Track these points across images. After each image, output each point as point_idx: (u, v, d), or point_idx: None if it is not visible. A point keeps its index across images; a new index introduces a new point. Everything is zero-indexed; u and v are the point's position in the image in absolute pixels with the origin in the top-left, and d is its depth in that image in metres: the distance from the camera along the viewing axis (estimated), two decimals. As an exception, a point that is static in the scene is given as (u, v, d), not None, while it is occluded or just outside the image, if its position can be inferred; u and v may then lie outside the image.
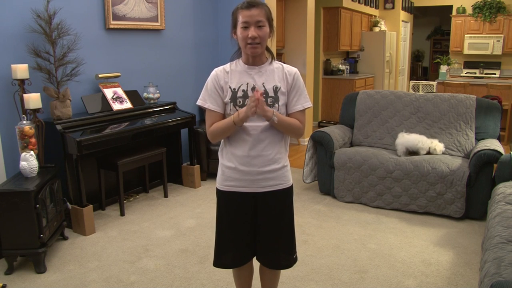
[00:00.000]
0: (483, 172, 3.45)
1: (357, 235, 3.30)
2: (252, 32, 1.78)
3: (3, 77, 3.16)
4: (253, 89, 1.85)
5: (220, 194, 1.99)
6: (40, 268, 2.78)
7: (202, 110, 4.82)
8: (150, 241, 3.21)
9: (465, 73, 9.67)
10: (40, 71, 3.29)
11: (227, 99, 1.87)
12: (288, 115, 1.93)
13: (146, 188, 4.30)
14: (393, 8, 10.04)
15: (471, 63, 9.80)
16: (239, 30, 1.81)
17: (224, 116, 1.92)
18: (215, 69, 1.93)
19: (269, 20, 1.83)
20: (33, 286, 2.64)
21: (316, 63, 7.76)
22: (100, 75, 3.77)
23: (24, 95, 3.07)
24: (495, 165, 3.37)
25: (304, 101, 1.92)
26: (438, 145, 3.81)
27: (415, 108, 4.15)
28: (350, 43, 8.47)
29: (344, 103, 4.53)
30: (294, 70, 1.93)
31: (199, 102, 1.93)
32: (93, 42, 3.78)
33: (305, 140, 6.17)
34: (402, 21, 10.38)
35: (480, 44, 9.53)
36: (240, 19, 1.80)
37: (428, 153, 3.81)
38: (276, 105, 1.86)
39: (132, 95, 3.99)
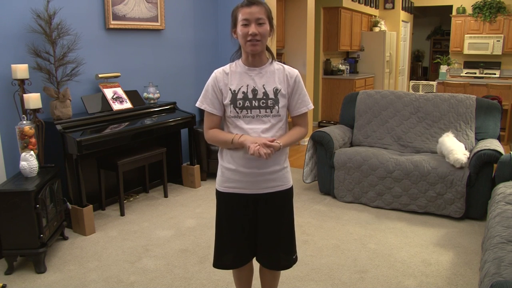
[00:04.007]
0: (483, 172, 3.45)
1: (357, 235, 3.30)
2: (252, 28, 1.77)
3: (3, 77, 3.16)
4: (255, 91, 1.85)
5: (220, 195, 1.99)
6: (40, 268, 2.78)
7: (202, 110, 4.82)
8: (150, 241, 3.21)
9: (465, 73, 9.67)
10: (40, 71, 3.29)
11: (227, 101, 1.86)
12: (292, 118, 1.96)
13: (146, 188, 4.30)
14: (393, 8, 10.04)
15: (471, 63, 9.80)
16: (239, 28, 1.80)
17: (222, 118, 1.92)
18: (215, 71, 1.92)
19: (269, 18, 1.83)
20: (33, 286, 2.64)
21: (316, 63, 7.76)
22: (100, 75, 3.77)
23: (24, 95, 3.07)
24: (495, 165, 3.37)
25: (308, 103, 1.94)
26: (457, 156, 3.49)
27: (415, 108, 4.15)
28: (350, 43, 8.47)
29: (344, 103, 4.53)
30: (296, 72, 1.93)
31: (198, 104, 1.94)
32: (93, 42, 3.78)
33: (305, 140, 6.17)
34: (402, 21, 10.38)
35: (480, 44, 9.53)
36: (240, 16, 1.79)
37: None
38: (276, 107, 1.86)
39: (132, 95, 3.99)
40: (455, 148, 3.57)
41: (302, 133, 1.97)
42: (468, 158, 3.52)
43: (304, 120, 1.97)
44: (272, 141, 1.78)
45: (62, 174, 3.30)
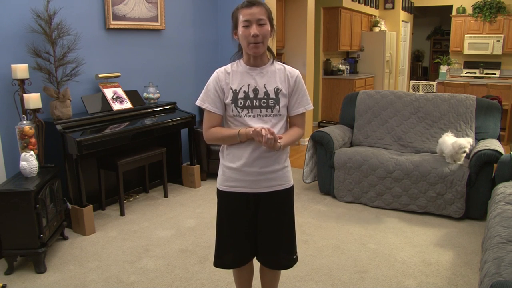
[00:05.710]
0: (483, 172, 3.45)
1: (357, 235, 3.30)
2: (254, 29, 1.77)
3: (3, 77, 3.16)
4: (256, 90, 1.85)
5: (221, 194, 1.99)
6: (40, 268, 2.78)
7: (202, 110, 4.82)
8: (150, 241, 3.21)
9: (465, 73, 9.67)
10: (40, 71, 3.29)
11: (229, 100, 1.86)
12: (290, 117, 1.95)
13: (146, 188, 4.30)
14: (393, 8, 10.04)
15: (471, 63, 9.80)
16: (240, 29, 1.80)
17: (222, 117, 1.92)
18: (217, 70, 1.92)
19: (270, 19, 1.83)
20: (33, 286, 2.64)
21: (316, 63, 7.76)
22: (100, 75, 3.77)
23: (24, 95, 3.07)
24: (495, 165, 3.37)
25: (306, 104, 1.94)
26: (459, 142, 3.49)
27: (415, 108, 4.15)
28: (350, 43, 8.47)
29: (344, 103, 4.53)
30: (297, 72, 1.93)
31: (198, 103, 1.93)
32: (93, 42, 3.78)
33: (305, 140, 6.17)
34: (402, 21, 10.38)
35: (480, 44, 9.53)
36: (241, 18, 1.79)
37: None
38: (277, 106, 1.87)
39: (132, 95, 3.99)
40: (458, 139, 3.60)
41: (300, 134, 1.97)
42: (471, 145, 3.53)
43: (302, 120, 1.97)
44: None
45: (62, 174, 3.30)
